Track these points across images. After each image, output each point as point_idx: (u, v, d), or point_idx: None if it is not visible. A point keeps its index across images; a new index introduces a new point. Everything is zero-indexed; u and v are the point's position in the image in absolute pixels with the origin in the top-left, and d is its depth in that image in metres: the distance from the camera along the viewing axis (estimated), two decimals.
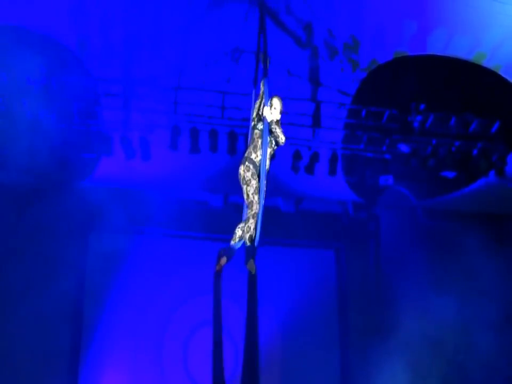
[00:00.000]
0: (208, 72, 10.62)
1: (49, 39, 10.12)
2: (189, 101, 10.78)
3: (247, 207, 5.87)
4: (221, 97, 10.79)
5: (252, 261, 5.67)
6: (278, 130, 6.02)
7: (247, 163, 5.92)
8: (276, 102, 6.16)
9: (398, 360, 10.71)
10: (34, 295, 10.86)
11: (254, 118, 6.20)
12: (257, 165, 5.91)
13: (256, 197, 5.81)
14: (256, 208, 5.75)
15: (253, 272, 5.65)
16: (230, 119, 10.89)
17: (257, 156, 5.95)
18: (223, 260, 5.70)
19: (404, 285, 11.38)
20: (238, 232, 5.76)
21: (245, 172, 5.89)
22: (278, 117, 6.12)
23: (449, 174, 11.41)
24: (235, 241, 5.74)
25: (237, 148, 10.85)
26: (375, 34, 10.41)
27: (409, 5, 10.08)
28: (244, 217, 5.95)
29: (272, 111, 6.02)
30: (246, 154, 6.00)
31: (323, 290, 11.71)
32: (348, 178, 11.55)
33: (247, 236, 5.71)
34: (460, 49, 10.48)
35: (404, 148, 11.25)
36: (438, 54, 10.61)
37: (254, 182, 5.86)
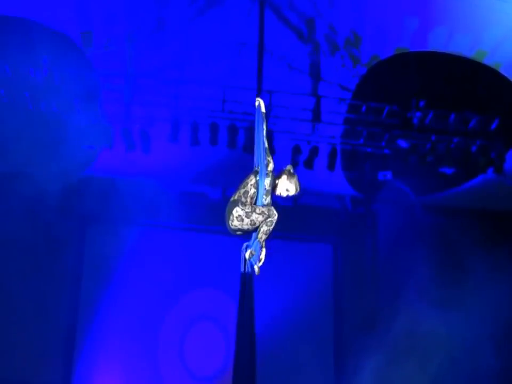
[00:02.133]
0: (209, 65, 10.66)
1: (52, 31, 10.12)
2: (190, 94, 10.82)
3: (265, 216, 5.47)
4: (222, 91, 10.83)
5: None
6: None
7: (239, 204, 5.44)
8: (291, 187, 5.60)
9: (389, 358, 10.72)
10: (30, 285, 10.94)
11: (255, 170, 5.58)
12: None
13: (267, 205, 5.54)
14: (276, 213, 5.46)
15: (257, 274, 5.55)
16: (230, 112, 10.93)
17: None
18: (250, 252, 5.63)
19: (400, 281, 11.41)
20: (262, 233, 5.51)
21: (244, 209, 5.43)
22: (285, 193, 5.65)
23: (448, 170, 11.45)
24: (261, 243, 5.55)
25: (237, 141, 10.88)
26: (376, 30, 10.45)
27: (411, 1, 10.12)
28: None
29: (282, 189, 5.59)
30: (235, 198, 5.52)
31: (319, 285, 11.72)
32: (347, 173, 11.60)
33: (264, 237, 5.55)
34: (460, 47, 10.51)
35: (403, 143, 11.29)
36: (439, 51, 10.64)
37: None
